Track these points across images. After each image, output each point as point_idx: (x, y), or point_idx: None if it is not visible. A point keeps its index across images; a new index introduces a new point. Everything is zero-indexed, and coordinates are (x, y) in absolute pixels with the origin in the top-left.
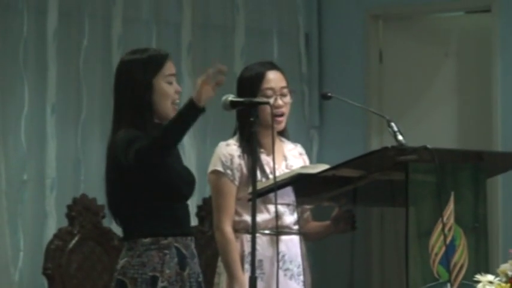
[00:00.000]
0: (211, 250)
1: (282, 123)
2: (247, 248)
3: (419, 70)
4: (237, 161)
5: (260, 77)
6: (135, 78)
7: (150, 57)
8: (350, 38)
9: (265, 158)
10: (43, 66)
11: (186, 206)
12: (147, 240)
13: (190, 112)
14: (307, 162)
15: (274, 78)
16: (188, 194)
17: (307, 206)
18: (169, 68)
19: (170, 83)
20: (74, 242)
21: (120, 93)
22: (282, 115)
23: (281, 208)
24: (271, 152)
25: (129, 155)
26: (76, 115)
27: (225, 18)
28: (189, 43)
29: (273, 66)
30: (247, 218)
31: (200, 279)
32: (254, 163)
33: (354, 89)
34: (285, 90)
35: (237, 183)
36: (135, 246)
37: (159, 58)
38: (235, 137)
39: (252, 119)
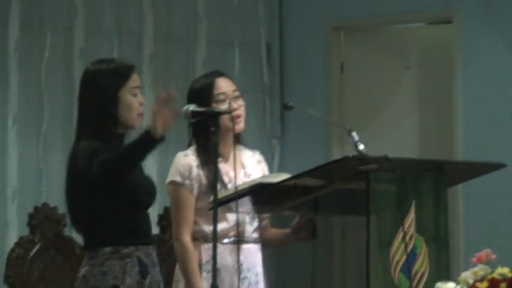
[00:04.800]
0: (172, 259)
1: (240, 122)
2: (205, 257)
3: (381, 81)
4: (196, 171)
5: (210, 85)
6: (101, 90)
7: (117, 68)
8: (311, 49)
9: (223, 167)
10: (4, 77)
11: (147, 215)
12: (108, 249)
13: (148, 143)
14: (266, 170)
15: (224, 84)
16: (148, 203)
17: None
18: (134, 80)
19: (135, 95)
20: (35, 250)
21: (84, 103)
22: (239, 117)
23: (241, 217)
24: (229, 160)
25: (92, 167)
26: (37, 126)
27: (187, 30)
28: (151, 55)
29: (220, 74)
30: (205, 227)
31: (161, 287)
32: (215, 172)
33: (315, 99)
34: (237, 93)
35: (195, 193)
36: (96, 256)
37: (125, 70)
38: (193, 147)
39: (213, 129)
